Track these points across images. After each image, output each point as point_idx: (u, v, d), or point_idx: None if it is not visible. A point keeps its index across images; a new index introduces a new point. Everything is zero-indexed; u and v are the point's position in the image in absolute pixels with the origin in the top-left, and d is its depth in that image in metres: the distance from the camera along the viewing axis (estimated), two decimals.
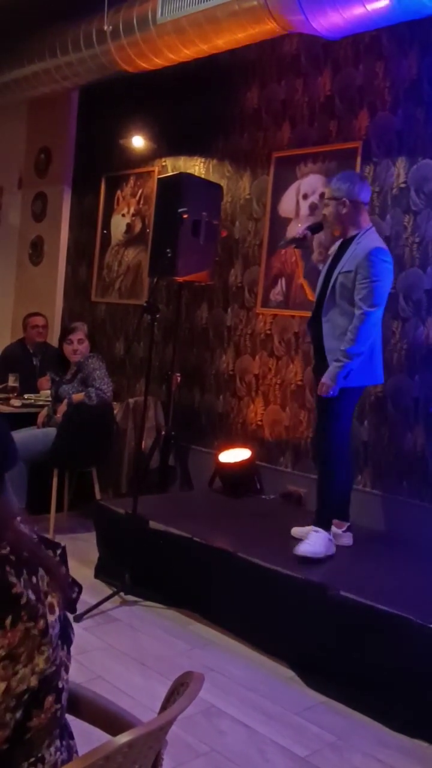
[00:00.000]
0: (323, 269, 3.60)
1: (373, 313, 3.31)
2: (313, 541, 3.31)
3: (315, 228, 3.64)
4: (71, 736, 1.26)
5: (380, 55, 4.22)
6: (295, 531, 3.58)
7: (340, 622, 2.93)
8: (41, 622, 1.15)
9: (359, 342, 3.29)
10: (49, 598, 1.23)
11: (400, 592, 2.97)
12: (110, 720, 1.28)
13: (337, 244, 3.56)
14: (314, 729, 2.64)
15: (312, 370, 3.91)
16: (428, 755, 2.53)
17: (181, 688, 1.13)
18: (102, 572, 3.90)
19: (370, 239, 3.41)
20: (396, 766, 2.45)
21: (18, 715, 1.09)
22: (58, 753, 1.25)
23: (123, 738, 0.94)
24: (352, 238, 3.44)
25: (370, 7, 3.32)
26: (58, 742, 1.27)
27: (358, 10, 3.39)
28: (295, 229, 3.67)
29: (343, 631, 2.92)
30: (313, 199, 4.54)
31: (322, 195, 4.47)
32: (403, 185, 4.10)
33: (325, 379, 3.33)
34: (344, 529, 3.61)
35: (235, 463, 4.55)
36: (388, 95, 4.18)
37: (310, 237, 3.63)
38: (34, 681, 1.11)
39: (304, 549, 3.28)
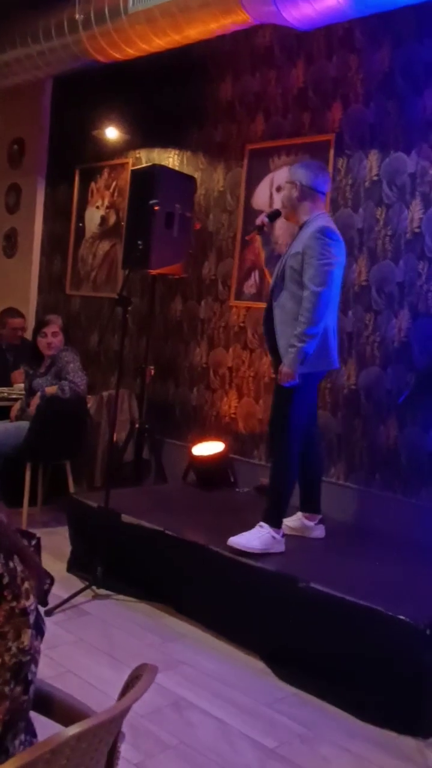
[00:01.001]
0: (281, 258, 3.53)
1: (323, 292, 3.18)
2: (249, 536, 3.24)
3: (273, 215, 3.56)
4: (34, 734, 1.25)
5: (353, 48, 4.22)
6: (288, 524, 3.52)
7: (311, 614, 2.93)
8: (22, 602, 1.18)
9: (311, 323, 3.18)
10: (25, 584, 1.23)
11: (370, 584, 2.97)
12: (63, 711, 1.26)
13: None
14: (284, 720, 2.64)
15: (271, 365, 3.77)
16: (397, 745, 2.54)
17: (135, 681, 1.11)
18: (74, 566, 3.88)
19: (319, 220, 3.31)
20: (365, 757, 2.46)
21: (15, 687, 1.11)
22: (22, 747, 1.24)
23: (71, 730, 0.93)
24: (304, 223, 3.37)
25: None
26: (22, 736, 1.25)
27: (329, 1, 3.38)
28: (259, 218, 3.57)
29: (314, 623, 2.92)
30: None
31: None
32: (375, 178, 4.11)
33: (284, 366, 3.24)
34: (316, 521, 3.60)
35: (209, 456, 4.54)
36: (361, 88, 4.18)
37: (268, 224, 3.55)
38: (24, 657, 1.12)
39: (236, 540, 3.22)
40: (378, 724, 2.64)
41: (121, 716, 1.04)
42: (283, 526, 3.40)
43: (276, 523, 3.31)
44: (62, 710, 1.29)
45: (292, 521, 3.56)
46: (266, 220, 3.53)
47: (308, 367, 3.26)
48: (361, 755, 2.47)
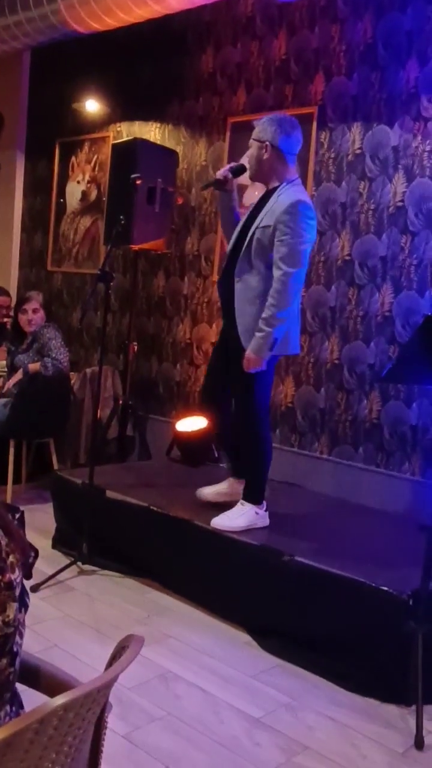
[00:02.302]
0: (240, 222, 3.24)
1: (296, 273, 2.98)
2: (231, 515, 3.23)
3: (237, 170, 3.27)
4: (21, 706, 1.25)
5: (335, 18, 4.17)
6: (205, 493, 3.51)
7: (296, 586, 2.95)
8: (7, 575, 1.19)
9: (283, 306, 2.97)
10: (11, 558, 1.23)
11: (354, 557, 3.00)
12: (51, 684, 1.27)
13: (259, 195, 3.24)
14: (269, 691, 2.67)
15: (220, 333, 3.52)
16: (379, 713, 2.59)
17: (121, 652, 1.12)
18: (59, 543, 3.89)
19: (293, 192, 3.04)
20: (348, 724, 2.50)
21: (0, 659, 1.11)
22: (8, 718, 1.24)
23: (58, 700, 0.93)
24: (274, 189, 3.10)
25: None
26: (8, 707, 1.26)
27: None
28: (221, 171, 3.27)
29: (298, 595, 2.95)
30: None
31: None
32: (358, 151, 4.09)
33: (251, 353, 3.03)
34: (265, 509, 3.37)
35: (193, 431, 4.54)
36: (344, 59, 4.14)
37: (231, 179, 3.25)
38: (8, 630, 1.15)
39: (219, 522, 3.20)
40: (361, 692, 2.68)
41: (108, 686, 1.05)
42: (215, 493, 3.46)
43: (257, 500, 3.29)
44: (49, 682, 1.30)
45: (223, 487, 3.52)
46: (230, 174, 3.23)
47: (275, 350, 3.09)
48: (345, 723, 2.50)
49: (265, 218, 3.04)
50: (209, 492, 3.54)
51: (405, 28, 3.88)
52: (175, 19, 4.64)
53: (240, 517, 3.23)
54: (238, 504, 3.29)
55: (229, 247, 3.26)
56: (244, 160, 3.36)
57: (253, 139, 3.16)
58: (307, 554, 2.97)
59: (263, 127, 3.12)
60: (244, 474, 3.40)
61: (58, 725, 0.95)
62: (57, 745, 0.99)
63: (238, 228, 3.23)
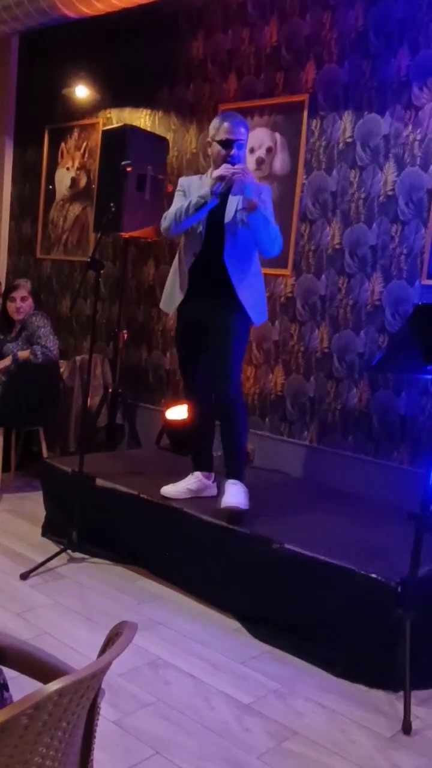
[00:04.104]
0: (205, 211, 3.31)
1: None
2: (236, 492, 3.27)
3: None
4: (6, 688, 1.26)
5: (327, 5, 4.15)
6: (168, 490, 3.49)
7: (285, 574, 2.97)
8: None
9: (275, 230, 3.26)
10: None
11: (343, 544, 3.02)
12: (43, 669, 1.27)
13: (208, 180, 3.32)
14: (259, 677, 2.69)
15: (183, 326, 3.50)
16: (367, 698, 2.61)
17: (115, 638, 1.12)
18: (49, 531, 3.89)
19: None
20: (337, 710, 2.52)
21: None
22: None
23: (53, 686, 0.94)
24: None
25: None
26: None
27: None
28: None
29: (287, 582, 2.97)
30: (260, 153, 4.48)
31: (269, 149, 4.43)
32: (349, 140, 4.08)
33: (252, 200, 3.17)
34: (212, 479, 3.58)
35: (182, 420, 4.54)
36: (335, 47, 4.13)
37: None
38: None
39: (234, 502, 3.23)
40: (350, 678, 2.71)
41: (102, 672, 1.05)
42: (186, 490, 3.48)
43: (243, 477, 3.38)
44: (43, 669, 1.30)
45: (192, 483, 3.52)
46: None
47: (259, 318, 3.37)
48: (333, 708, 2.53)
49: (241, 200, 3.24)
50: (178, 490, 3.50)
51: (396, 16, 3.87)
52: (166, 5, 4.61)
53: (243, 495, 3.29)
54: (238, 484, 3.32)
55: (201, 232, 3.31)
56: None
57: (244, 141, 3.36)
58: (297, 542, 2.99)
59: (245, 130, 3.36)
60: (230, 452, 3.41)
61: (52, 711, 0.95)
62: (51, 730, 1.00)
63: (205, 217, 3.31)
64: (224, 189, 3.20)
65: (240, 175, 3.16)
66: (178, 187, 3.45)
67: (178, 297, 3.41)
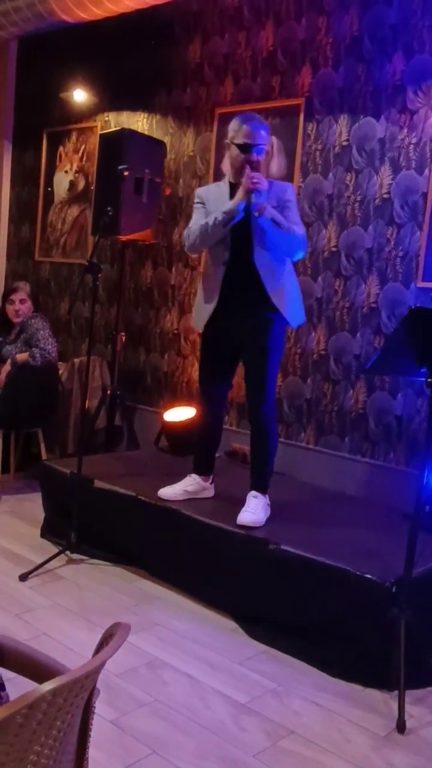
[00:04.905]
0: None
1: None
2: (254, 508, 3.27)
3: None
4: (3, 687, 1.28)
5: (322, 10, 4.18)
6: (165, 492, 3.50)
7: (281, 574, 3.00)
8: None
9: (300, 238, 3.20)
10: None
11: (339, 545, 3.05)
12: (39, 670, 1.30)
13: (226, 184, 3.31)
14: (255, 677, 2.72)
15: (211, 332, 3.39)
16: (363, 697, 2.64)
17: (109, 639, 1.15)
18: (48, 532, 3.92)
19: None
20: (333, 709, 2.55)
21: None
22: None
23: (47, 686, 0.97)
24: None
25: None
26: None
27: None
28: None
29: (283, 583, 3.00)
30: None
31: (266, 152, 4.44)
32: (345, 143, 4.11)
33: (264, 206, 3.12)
34: (210, 481, 3.60)
35: (181, 421, 4.58)
36: (331, 52, 4.16)
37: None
38: None
39: (248, 519, 3.21)
40: (345, 678, 2.73)
41: (96, 672, 1.08)
42: (183, 491, 3.49)
43: (267, 490, 3.37)
44: (41, 670, 1.33)
45: (190, 485, 3.53)
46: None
47: (296, 320, 3.32)
48: (329, 708, 2.56)
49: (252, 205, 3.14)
50: (175, 491, 3.51)
51: (391, 21, 3.89)
52: (163, 9, 4.63)
53: (261, 510, 3.28)
54: (258, 497, 3.31)
55: (226, 240, 3.23)
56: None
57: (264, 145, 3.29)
58: (293, 543, 3.02)
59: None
60: (258, 464, 3.39)
61: (47, 710, 0.98)
62: (46, 729, 1.03)
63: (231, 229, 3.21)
64: (250, 201, 3.11)
65: (260, 184, 3.08)
66: (196, 199, 3.38)
67: (209, 309, 3.29)
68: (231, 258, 3.24)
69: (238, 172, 3.19)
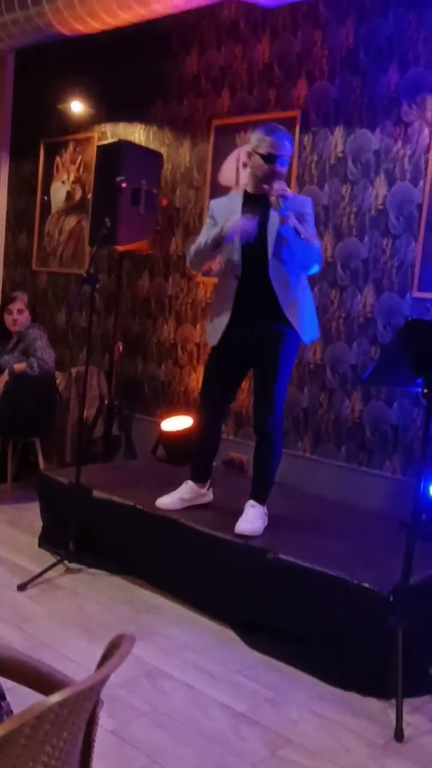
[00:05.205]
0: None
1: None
2: (252, 517, 3.28)
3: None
4: (3, 697, 1.30)
5: (317, 23, 4.23)
6: (162, 501, 3.51)
7: (280, 584, 3.02)
8: None
9: (317, 251, 3.15)
10: None
11: (336, 554, 3.07)
12: (42, 680, 1.32)
13: (238, 198, 3.30)
14: (254, 686, 2.73)
15: (223, 343, 3.33)
16: (361, 705, 2.66)
17: (113, 650, 1.17)
18: (46, 541, 3.93)
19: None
20: (331, 717, 2.57)
21: None
22: None
23: (55, 698, 0.98)
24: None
25: None
26: None
27: None
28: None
29: (282, 592, 3.01)
30: None
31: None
32: (340, 155, 4.15)
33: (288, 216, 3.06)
34: (207, 486, 3.60)
35: (178, 431, 4.60)
36: (326, 64, 4.20)
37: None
38: None
39: (245, 528, 3.23)
40: (344, 687, 2.75)
41: (102, 684, 1.10)
42: (179, 500, 3.49)
43: (266, 500, 3.37)
44: (45, 681, 1.34)
45: (186, 493, 3.54)
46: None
47: (309, 336, 3.29)
48: (328, 717, 2.57)
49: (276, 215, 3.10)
50: (172, 500, 3.52)
51: (386, 33, 3.94)
52: (160, 22, 4.68)
53: (259, 520, 3.29)
54: (256, 506, 3.32)
55: (237, 254, 3.20)
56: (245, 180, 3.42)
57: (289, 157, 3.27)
58: (291, 552, 3.04)
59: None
60: (260, 474, 3.39)
61: (54, 721, 1.00)
62: (53, 740, 1.04)
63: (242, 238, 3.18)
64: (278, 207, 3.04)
65: (288, 192, 3.05)
66: (208, 212, 3.37)
67: (223, 323, 3.27)
68: (245, 271, 3.21)
69: (259, 182, 3.16)
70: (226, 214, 3.24)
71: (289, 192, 3.07)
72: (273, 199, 3.03)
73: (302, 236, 3.06)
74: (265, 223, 3.16)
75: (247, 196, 3.27)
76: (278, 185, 3.04)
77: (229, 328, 3.27)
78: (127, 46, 5.15)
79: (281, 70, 4.42)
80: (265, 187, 3.08)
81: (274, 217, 3.13)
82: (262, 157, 3.12)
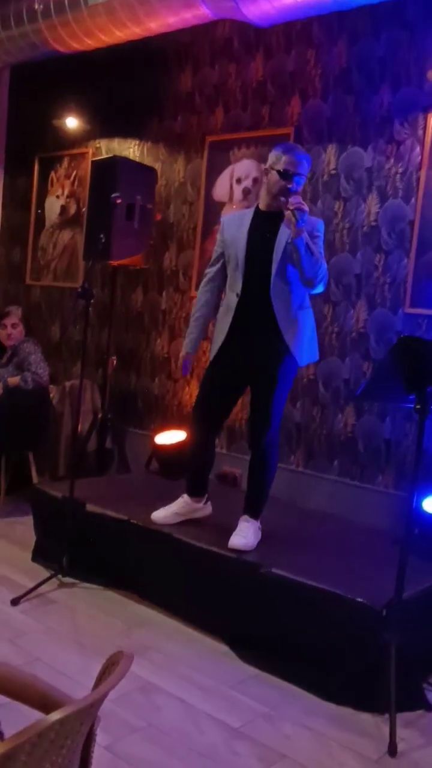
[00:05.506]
0: (245, 246, 3.24)
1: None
2: (245, 532, 3.29)
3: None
4: None
5: (311, 43, 4.29)
6: (157, 515, 3.52)
7: (273, 598, 3.03)
8: None
9: (322, 269, 3.10)
10: None
11: (329, 569, 3.08)
12: (36, 696, 1.33)
13: (248, 215, 3.30)
14: (247, 701, 2.74)
15: (220, 358, 3.34)
16: (354, 720, 2.67)
17: (111, 668, 1.19)
18: (39, 556, 3.93)
19: None
20: (324, 733, 2.57)
21: None
22: None
23: (55, 716, 1.00)
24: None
25: None
26: None
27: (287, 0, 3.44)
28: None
29: (275, 606, 3.02)
30: (247, 183, 4.60)
31: (255, 180, 4.54)
32: (333, 172, 4.20)
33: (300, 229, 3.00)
34: (204, 500, 3.61)
35: (171, 444, 4.61)
36: (319, 83, 4.26)
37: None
38: None
39: (239, 543, 3.24)
40: (337, 701, 2.76)
41: (100, 701, 1.11)
42: (174, 514, 3.50)
43: (260, 515, 3.38)
44: (43, 699, 1.35)
45: (181, 507, 3.54)
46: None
47: (305, 360, 3.27)
48: (321, 732, 2.58)
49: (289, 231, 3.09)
50: (167, 515, 3.53)
51: (378, 54, 4.00)
52: (155, 40, 4.72)
53: (253, 534, 3.30)
54: (250, 521, 3.33)
55: (240, 270, 3.23)
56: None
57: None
58: (284, 566, 3.05)
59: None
60: (254, 489, 3.39)
61: (54, 739, 1.01)
62: (51, 756, 1.06)
63: (246, 252, 3.21)
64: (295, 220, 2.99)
65: (304, 206, 3.01)
66: (219, 234, 3.37)
67: (220, 338, 3.28)
68: (247, 288, 3.21)
69: (273, 198, 3.16)
70: (234, 231, 3.26)
71: (306, 207, 3.04)
72: (289, 212, 3.00)
73: (314, 254, 3.05)
74: (273, 240, 3.15)
75: (258, 213, 3.27)
76: (294, 199, 3.01)
77: (226, 344, 3.28)
78: (122, 62, 5.20)
79: (275, 88, 4.47)
80: (282, 200, 3.06)
81: (282, 235, 3.12)
82: (279, 173, 3.10)
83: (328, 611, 2.84)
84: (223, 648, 3.13)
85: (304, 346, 3.24)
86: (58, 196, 5.87)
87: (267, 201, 3.23)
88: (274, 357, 3.21)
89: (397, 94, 3.94)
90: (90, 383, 5.22)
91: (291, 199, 3.01)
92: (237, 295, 3.23)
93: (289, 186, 3.07)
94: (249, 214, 3.30)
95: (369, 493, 4.02)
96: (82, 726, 1.10)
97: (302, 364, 3.28)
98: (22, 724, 1.09)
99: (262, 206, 3.27)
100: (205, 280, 3.43)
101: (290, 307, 3.18)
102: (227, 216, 3.47)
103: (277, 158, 3.14)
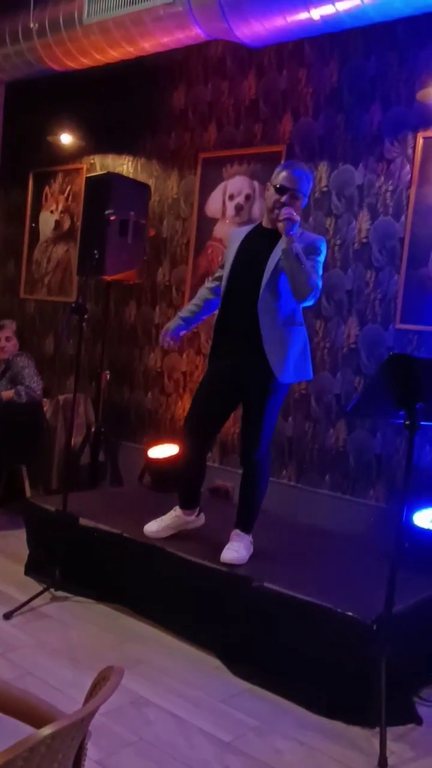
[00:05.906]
0: (233, 262, 3.29)
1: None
2: (237, 546, 3.31)
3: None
4: None
5: (302, 62, 4.35)
6: (150, 529, 3.52)
7: (264, 612, 3.04)
8: None
9: (316, 281, 3.12)
10: None
11: (320, 583, 3.10)
12: (27, 711, 1.35)
13: (249, 230, 3.35)
14: (238, 715, 2.75)
15: (213, 372, 3.38)
16: (345, 735, 2.68)
17: (102, 682, 1.21)
18: (32, 569, 3.93)
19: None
20: (316, 747, 2.59)
21: None
22: None
23: (46, 730, 1.02)
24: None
25: (290, 18, 3.43)
26: None
27: (279, 22, 3.50)
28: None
29: (266, 620, 3.04)
30: (239, 200, 4.65)
31: (248, 196, 4.59)
32: (325, 189, 4.25)
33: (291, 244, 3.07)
34: (197, 513, 3.61)
35: (164, 458, 4.63)
36: (311, 101, 4.32)
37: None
38: None
39: (231, 557, 3.25)
40: (328, 715, 2.77)
41: (91, 716, 1.13)
42: (166, 527, 3.50)
43: (252, 529, 3.40)
44: (34, 713, 1.37)
45: (173, 521, 3.54)
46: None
47: (292, 378, 3.26)
48: (312, 746, 2.59)
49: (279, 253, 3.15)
50: (159, 528, 3.53)
51: (369, 74, 4.06)
52: (149, 58, 4.78)
53: (244, 548, 3.31)
54: (241, 535, 3.35)
55: (224, 283, 3.27)
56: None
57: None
58: (276, 580, 3.06)
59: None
60: (246, 504, 3.40)
61: (45, 753, 1.03)
62: None
63: (233, 268, 3.25)
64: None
65: (294, 216, 3.05)
66: (225, 249, 3.40)
67: (210, 351, 3.36)
68: (235, 300, 3.23)
69: (269, 212, 3.21)
70: (231, 245, 3.31)
71: (297, 217, 3.08)
72: (280, 224, 3.06)
73: (306, 265, 3.07)
74: (267, 256, 3.16)
75: (258, 229, 3.31)
76: (286, 210, 3.06)
77: (217, 359, 3.31)
78: (116, 79, 5.25)
79: (267, 107, 4.53)
80: (275, 212, 3.12)
81: (277, 253, 3.13)
82: (275, 188, 3.15)
83: (319, 625, 2.86)
84: (215, 662, 3.14)
85: (291, 363, 3.22)
86: (52, 211, 5.91)
87: (266, 217, 3.27)
88: (262, 374, 3.20)
89: (387, 113, 4.00)
90: (83, 397, 5.24)
91: (283, 210, 3.07)
92: (224, 306, 3.27)
93: (284, 200, 3.12)
94: (248, 230, 3.34)
95: (360, 507, 4.04)
96: (74, 740, 1.12)
97: (286, 381, 3.24)
98: (13, 739, 1.11)
99: (264, 223, 3.30)
100: (209, 278, 3.49)
101: (276, 322, 3.17)
102: (234, 229, 3.52)
103: (276, 174, 3.20)
